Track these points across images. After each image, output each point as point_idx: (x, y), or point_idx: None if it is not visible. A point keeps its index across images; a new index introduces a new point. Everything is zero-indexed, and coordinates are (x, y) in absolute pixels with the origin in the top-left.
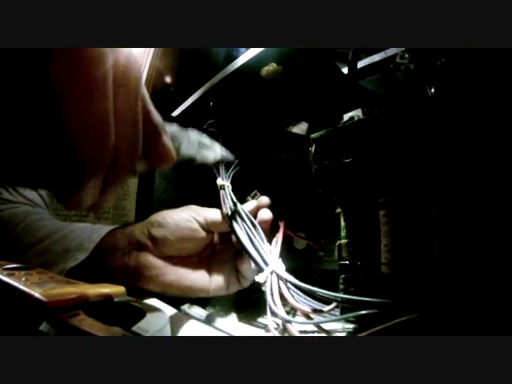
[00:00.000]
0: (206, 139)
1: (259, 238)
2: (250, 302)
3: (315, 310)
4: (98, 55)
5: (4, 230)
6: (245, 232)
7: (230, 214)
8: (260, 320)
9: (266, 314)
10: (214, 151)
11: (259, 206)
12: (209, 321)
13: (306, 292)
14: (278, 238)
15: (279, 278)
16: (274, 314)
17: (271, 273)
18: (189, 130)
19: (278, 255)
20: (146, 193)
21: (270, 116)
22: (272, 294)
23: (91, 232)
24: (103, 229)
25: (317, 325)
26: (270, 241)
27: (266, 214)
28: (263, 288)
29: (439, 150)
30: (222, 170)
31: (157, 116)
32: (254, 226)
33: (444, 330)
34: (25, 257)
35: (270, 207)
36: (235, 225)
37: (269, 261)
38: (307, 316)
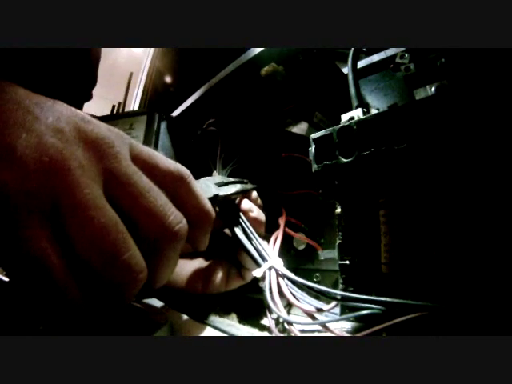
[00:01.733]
0: (218, 178)
1: (255, 232)
2: (250, 302)
3: (316, 309)
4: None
5: None
6: (240, 227)
7: (223, 210)
8: (260, 320)
9: (266, 313)
10: (234, 185)
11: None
12: (209, 321)
13: (304, 289)
14: (278, 235)
15: (278, 274)
16: (273, 312)
17: (269, 268)
18: (201, 180)
19: (277, 252)
20: None
21: (270, 116)
22: (271, 292)
23: None
24: None
25: (322, 324)
26: (269, 238)
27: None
28: (261, 285)
29: (439, 149)
30: (218, 165)
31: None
32: (248, 220)
33: (445, 330)
34: None
35: (269, 206)
36: (230, 220)
37: (267, 256)
38: (308, 314)
